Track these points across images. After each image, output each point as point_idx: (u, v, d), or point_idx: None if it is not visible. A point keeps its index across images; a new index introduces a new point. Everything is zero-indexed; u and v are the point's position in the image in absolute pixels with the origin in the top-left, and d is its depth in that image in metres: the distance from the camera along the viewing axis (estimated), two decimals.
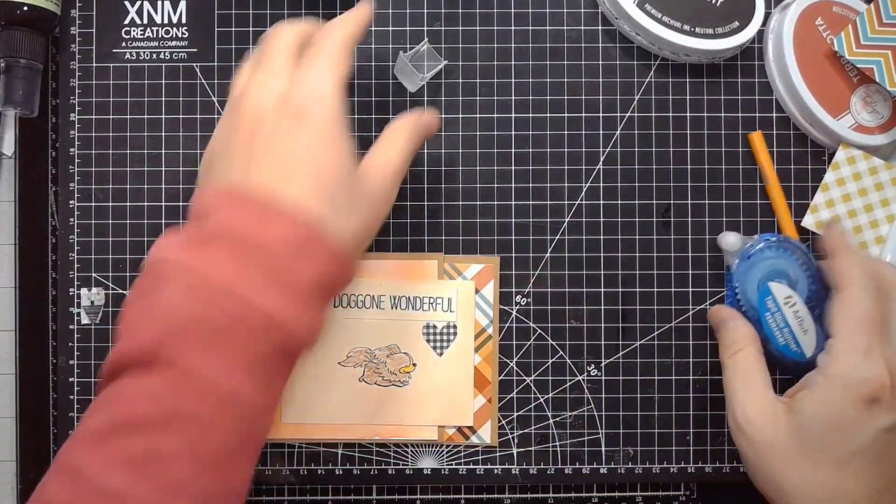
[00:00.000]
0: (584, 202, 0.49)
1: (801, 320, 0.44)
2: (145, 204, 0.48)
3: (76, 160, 0.48)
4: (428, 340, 0.48)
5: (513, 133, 0.49)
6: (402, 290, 0.48)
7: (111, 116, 0.49)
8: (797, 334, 0.45)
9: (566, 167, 0.49)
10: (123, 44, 0.49)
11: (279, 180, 0.36)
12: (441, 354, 0.48)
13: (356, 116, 0.49)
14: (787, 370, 0.46)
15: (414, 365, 0.48)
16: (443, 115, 0.49)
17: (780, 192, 0.48)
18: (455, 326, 0.48)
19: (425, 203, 0.49)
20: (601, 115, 0.49)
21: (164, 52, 0.49)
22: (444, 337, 0.48)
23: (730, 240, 0.46)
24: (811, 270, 0.45)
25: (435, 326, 0.48)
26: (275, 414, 0.38)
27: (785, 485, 0.40)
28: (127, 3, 0.49)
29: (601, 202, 0.49)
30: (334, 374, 0.48)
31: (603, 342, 0.49)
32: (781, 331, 0.45)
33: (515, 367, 0.48)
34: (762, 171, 0.48)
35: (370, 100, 0.49)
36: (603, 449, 0.48)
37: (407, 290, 0.48)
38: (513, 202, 0.49)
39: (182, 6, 0.49)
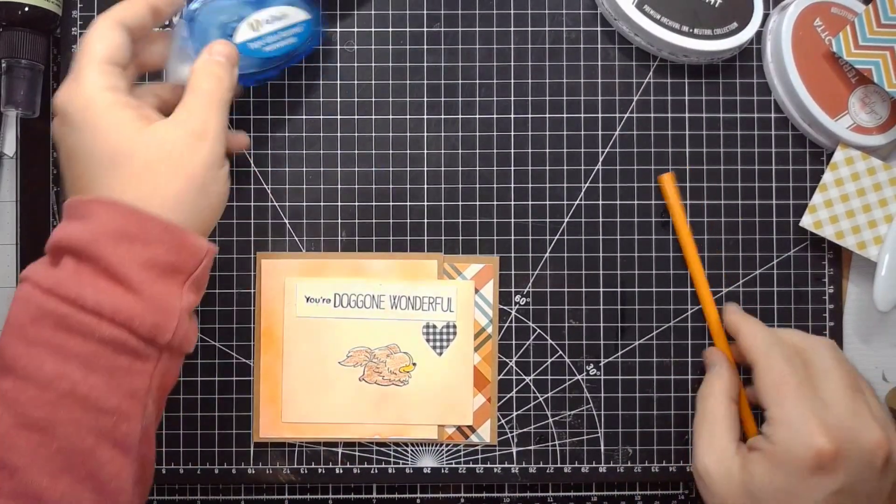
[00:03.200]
0: (583, 202, 0.49)
1: (272, 18, 0.43)
2: None
3: None
4: (428, 340, 0.48)
5: (512, 134, 0.49)
6: (402, 290, 0.48)
7: None
8: (285, 25, 0.43)
9: (565, 167, 0.49)
10: None
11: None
12: (441, 354, 0.48)
13: (356, 117, 0.49)
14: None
15: (414, 364, 0.48)
16: (442, 116, 0.49)
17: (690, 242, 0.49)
18: (454, 326, 0.48)
19: (425, 203, 0.49)
20: (600, 115, 0.49)
21: None
22: (444, 336, 0.48)
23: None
24: None
25: (434, 326, 0.48)
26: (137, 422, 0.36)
27: None
28: None
29: (600, 202, 0.49)
30: (335, 374, 0.48)
31: (602, 342, 0.49)
32: (281, 38, 0.44)
33: (515, 367, 0.49)
34: (672, 215, 0.49)
35: (370, 100, 0.49)
36: (602, 448, 0.49)
37: (407, 289, 0.48)
38: (512, 202, 0.49)
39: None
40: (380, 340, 0.48)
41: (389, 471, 0.48)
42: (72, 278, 0.35)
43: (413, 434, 0.48)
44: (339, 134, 0.49)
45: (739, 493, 0.41)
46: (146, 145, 0.37)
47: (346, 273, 0.48)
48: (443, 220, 0.49)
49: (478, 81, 0.49)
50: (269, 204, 0.49)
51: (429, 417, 0.48)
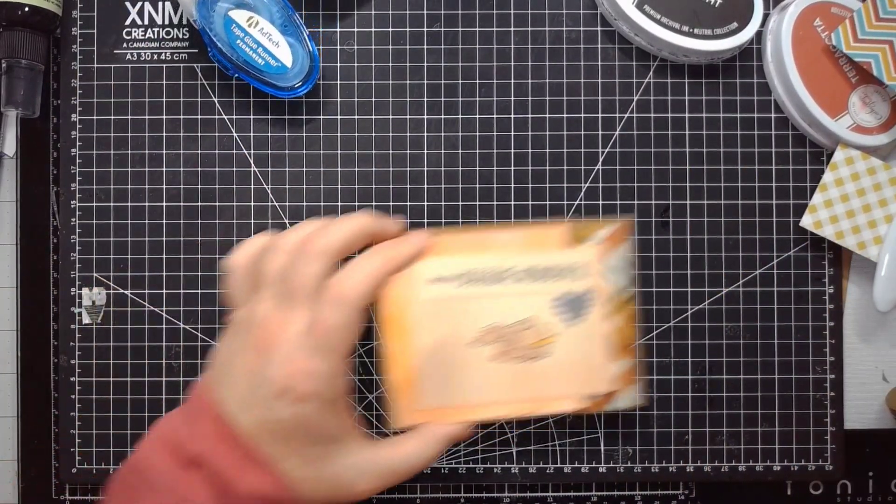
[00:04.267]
0: (583, 202, 0.49)
1: (268, 35, 0.45)
2: (146, 204, 0.49)
3: (77, 160, 0.49)
4: (560, 310, 0.45)
5: (512, 134, 0.49)
6: (528, 262, 0.45)
7: (112, 117, 0.49)
8: (270, 48, 0.45)
9: (565, 168, 0.49)
10: (124, 44, 0.49)
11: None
12: (575, 323, 0.45)
13: (356, 117, 0.49)
14: (277, 89, 0.46)
15: (549, 337, 0.45)
16: (442, 116, 0.49)
17: None
18: (588, 293, 0.45)
19: (425, 203, 0.49)
20: (600, 115, 0.49)
21: (165, 53, 0.49)
22: (578, 305, 0.45)
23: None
24: None
25: (566, 294, 0.45)
26: None
27: None
28: (128, 4, 0.49)
29: (600, 202, 0.49)
30: (465, 356, 0.44)
31: None
32: (256, 52, 0.45)
33: None
34: None
35: (370, 100, 0.49)
36: (602, 448, 0.49)
37: (533, 260, 0.45)
38: (512, 202, 0.49)
39: None
40: (511, 316, 0.45)
41: None
42: None
43: (553, 408, 0.45)
44: (339, 134, 0.49)
45: None
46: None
47: (467, 250, 0.45)
48: (443, 220, 0.49)
49: (478, 81, 0.49)
50: (269, 204, 0.49)
51: (569, 389, 0.45)
